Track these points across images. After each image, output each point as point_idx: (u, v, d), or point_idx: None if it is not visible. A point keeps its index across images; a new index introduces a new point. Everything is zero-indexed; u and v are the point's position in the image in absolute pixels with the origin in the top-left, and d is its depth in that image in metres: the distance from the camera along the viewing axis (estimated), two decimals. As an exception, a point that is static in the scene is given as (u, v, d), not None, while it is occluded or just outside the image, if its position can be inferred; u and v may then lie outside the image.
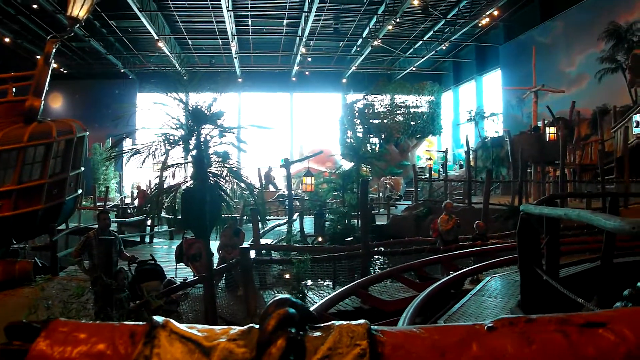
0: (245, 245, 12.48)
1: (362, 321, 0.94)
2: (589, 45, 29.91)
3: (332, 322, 0.95)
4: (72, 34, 16.50)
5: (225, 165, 8.23)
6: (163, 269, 10.85)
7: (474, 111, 41.86)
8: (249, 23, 37.23)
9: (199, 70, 34.54)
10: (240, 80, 43.00)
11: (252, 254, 12.39)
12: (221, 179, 8.51)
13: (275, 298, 0.96)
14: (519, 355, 0.87)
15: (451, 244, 13.13)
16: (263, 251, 13.61)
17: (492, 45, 40.62)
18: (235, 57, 40.27)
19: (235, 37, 36.93)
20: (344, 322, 0.94)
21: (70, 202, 15.40)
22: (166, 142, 8.02)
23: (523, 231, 5.77)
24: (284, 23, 37.45)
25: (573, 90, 30.62)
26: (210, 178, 8.39)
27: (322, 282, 13.33)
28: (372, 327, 0.92)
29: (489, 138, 36.56)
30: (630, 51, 24.31)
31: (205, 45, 42.32)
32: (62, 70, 40.00)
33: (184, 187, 8.56)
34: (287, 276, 12.62)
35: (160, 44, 35.00)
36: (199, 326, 0.96)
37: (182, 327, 0.94)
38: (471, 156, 28.98)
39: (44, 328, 0.95)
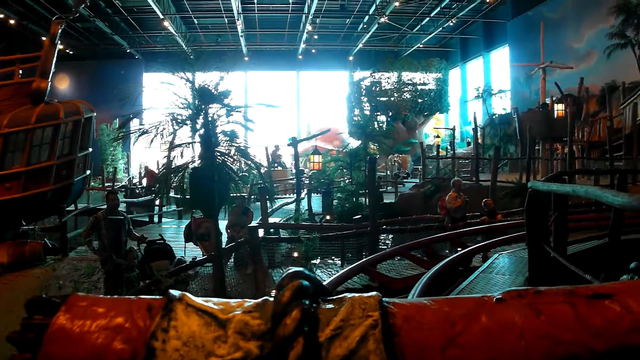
0: (253, 224, 12.51)
1: (373, 293, 0.96)
2: (598, 20, 29.48)
3: (345, 294, 0.97)
4: (77, 14, 16.44)
5: (233, 144, 8.23)
6: (172, 248, 10.90)
7: (482, 88, 41.57)
8: (255, 1, 36.99)
9: (205, 50, 34.43)
10: (246, 59, 42.83)
11: (261, 232, 12.42)
12: (229, 158, 8.51)
13: (289, 271, 0.98)
14: (527, 326, 0.89)
15: (459, 222, 13.11)
16: (271, 230, 13.64)
17: (500, 22, 40.11)
18: (242, 36, 39.99)
19: (241, 15, 36.69)
20: (356, 295, 0.96)
21: (78, 183, 15.45)
22: (174, 121, 8.02)
23: (531, 208, 5.75)
24: (290, 0, 37.18)
25: (581, 67, 30.31)
26: (218, 157, 8.40)
27: (331, 260, 13.38)
28: (383, 299, 0.94)
29: (496, 115, 36.36)
30: (639, 27, 24.03)
31: (211, 24, 42.11)
32: (67, 51, 39.83)
33: (192, 166, 8.58)
34: (295, 254, 12.67)
35: (166, 24, 34.81)
36: (215, 299, 0.98)
37: (198, 300, 0.96)
38: (479, 133, 28.87)
39: (64, 303, 0.97)
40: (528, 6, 35.95)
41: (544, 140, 23.30)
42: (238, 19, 36.10)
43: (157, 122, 8.03)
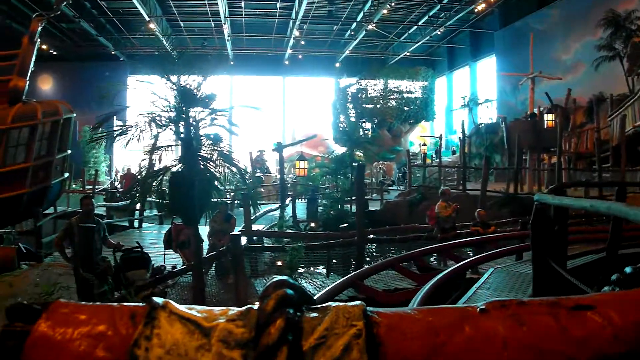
0: (236, 231, 12.26)
1: (357, 302, 0.96)
2: (585, 33, 29.82)
3: (329, 303, 0.98)
4: (59, 12, 16.15)
5: (216, 148, 7.97)
6: (150, 256, 10.51)
7: (468, 97, 41.65)
8: (242, 5, 36.77)
9: (190, 52, 34.04)
10: (232, 63, 42.51)
11: (244, 240, 12.15)
12: (211, 163, 8.27)
13: (274, 279, 0.98)
14: (510, 336, 0.90)
15: (449, 232, 12.89)
16: (255, 237, 13.31)
17: (487, 32, 40.27)
18: (228, 40, 39.75)
19: (228, 19, 36.43)
20: (340, 304, 0.96)
21: (56, 185, 15.05)
22: (153, 123, 7.75)
23: (537, 223, 5.43)
24: (278, 5, 36.97)
25: (568, 78, 30.40)
26: (200, 162, 8.15)
27: (315, 269, 13.15)
28: (367, 308, 0.94)
29: (482, 124, 36.35)
30: (628, 39, 24.10)
31: (197, 28, 41.83)
32: (52, 52, 39.37)
33: (172, 171, 8.32)
34: (279, 263, 12.44)
35: (152, 26, 34.46)
36: (198, 307, 0.97)
37: (182, 308, 0.95)
38: (465, 142, 28.82)
39: (45, 309, 0.96)
40: (516, 17, 36.12)
41: (532, 150, 23.22)
42: (225, 23, 35.78)
43: (134, 122, 7.74)
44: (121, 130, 7.78)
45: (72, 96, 33.80)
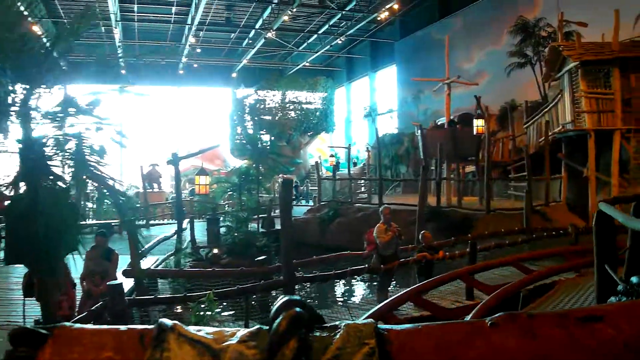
0: (119, 271, 8.64)
1: (368, 320, 0.93)
2: (488, 42, 29.15)
3: (340, 321, 0.94)
4: None
5: (66, 157, 4.52)
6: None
7: (369, 108, 39.66)
8: (135, 9, 32.93)
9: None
10: (123, 72, 38.17)
11: (130, 282, 8.52)
12: (67, 181, 4.87)
13: (283, 299, 0.93)
14: (522, 350, 0.87)
15: (391, 260, 9.78)
16: (145, 280, 9.46)
17: (387, 42, 38.37)
18: (119, 46, 35.49)
19: (120, 23, 32.74)
20: (351, 322, 0.93)
21: None
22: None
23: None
24: (173, 10, 33.37)
25: (472, 87, 28.74)
26: (49, 180, 4.77)
27: (226, 314, 9.69)
28: (378, 326, 0.91)
29: (387, 135, 34.23)
30: (538, 46, 22.56)
31: (85, 32, 37.24)
32: None
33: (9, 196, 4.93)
34: (179, 309, 8.96)
35: (35, 28, 29.67)
36: (207, 328, 0.93)
37: (191, 329, 0.91)
38: (371, 153, 26.47)
39: (51, 334, 0.90)
40: (417, 27, 34.91)
41: (449, 160, 20.79)
42: (116, 27, 31.86)
43: None
44: None
45: None
